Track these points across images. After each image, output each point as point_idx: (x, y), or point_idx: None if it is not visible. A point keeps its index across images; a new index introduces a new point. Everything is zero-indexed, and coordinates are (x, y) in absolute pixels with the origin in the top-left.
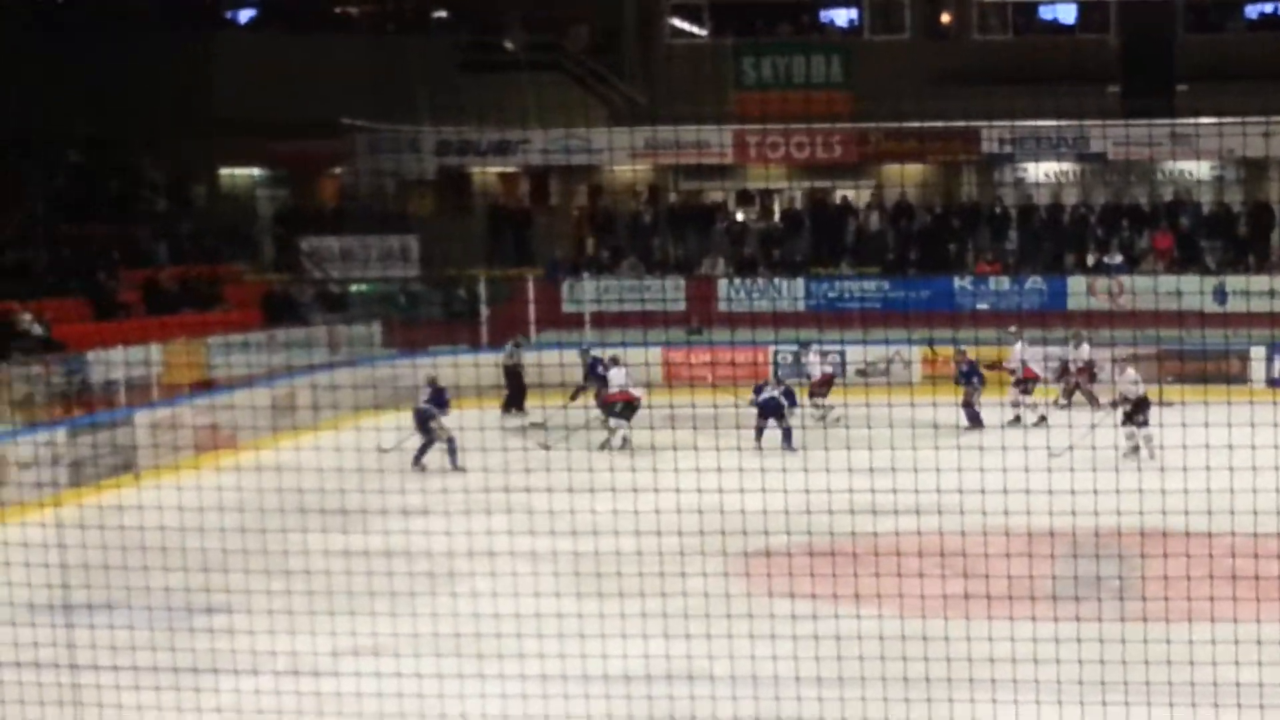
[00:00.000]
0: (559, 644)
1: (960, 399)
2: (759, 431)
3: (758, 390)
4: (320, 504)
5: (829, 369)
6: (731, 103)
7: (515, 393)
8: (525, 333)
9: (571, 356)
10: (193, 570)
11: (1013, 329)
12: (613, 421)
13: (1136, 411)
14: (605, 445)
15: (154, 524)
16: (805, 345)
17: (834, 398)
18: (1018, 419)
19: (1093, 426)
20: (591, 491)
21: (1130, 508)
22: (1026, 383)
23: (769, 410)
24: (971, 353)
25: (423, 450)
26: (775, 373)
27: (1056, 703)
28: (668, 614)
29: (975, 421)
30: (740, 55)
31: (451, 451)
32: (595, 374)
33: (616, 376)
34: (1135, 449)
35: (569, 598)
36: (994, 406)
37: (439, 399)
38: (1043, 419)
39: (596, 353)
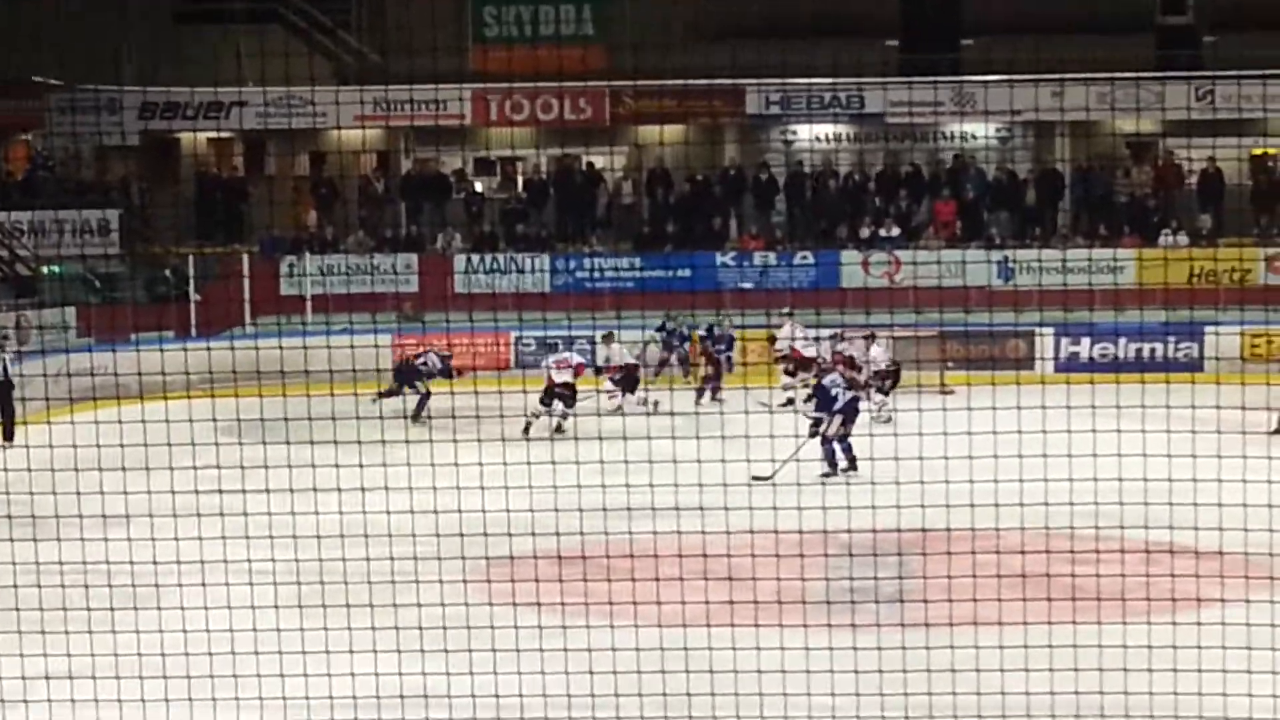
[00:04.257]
0: (268, 663)
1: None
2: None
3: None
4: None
5: (632, 360)
6: (471, 58)
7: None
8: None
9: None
10: None
11: (786, 309)
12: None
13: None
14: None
15: None
16: (609, 336)
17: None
18: (790, 402)
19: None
20: (304, 490)
21: (911, 503)
22: (795, 365)
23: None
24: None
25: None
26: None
27: (831, 718)
28: (399, 627)
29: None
30: (481, 5)
31: None
32: None
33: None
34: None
35: (287, 612)
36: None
37: None
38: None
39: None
